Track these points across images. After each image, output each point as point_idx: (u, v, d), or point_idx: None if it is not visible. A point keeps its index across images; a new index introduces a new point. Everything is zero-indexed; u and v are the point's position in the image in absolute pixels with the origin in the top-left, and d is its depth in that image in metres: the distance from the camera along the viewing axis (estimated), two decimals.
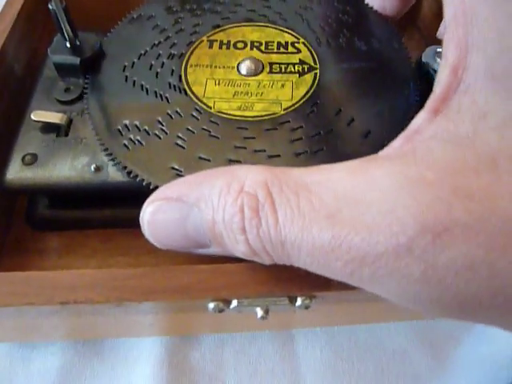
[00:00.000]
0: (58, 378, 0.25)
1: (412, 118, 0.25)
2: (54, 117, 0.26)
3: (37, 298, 0.18)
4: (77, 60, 0.27)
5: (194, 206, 0.15)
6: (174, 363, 0.26)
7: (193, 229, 0.15)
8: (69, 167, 0.24)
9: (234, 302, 0.19)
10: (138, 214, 0.27)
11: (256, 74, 0.27)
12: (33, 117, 0.25)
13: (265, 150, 0.24)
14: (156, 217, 0.16)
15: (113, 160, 0.23)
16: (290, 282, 0.19)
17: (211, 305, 0.19)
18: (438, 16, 0.35)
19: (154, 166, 0.23)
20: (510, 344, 0.28)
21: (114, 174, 0.24)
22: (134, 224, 0.28)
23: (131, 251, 0.27)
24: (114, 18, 0.31)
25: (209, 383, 0.26)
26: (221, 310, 0.19)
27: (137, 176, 0.23)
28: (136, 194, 0.25)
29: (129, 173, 0.23)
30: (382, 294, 0.14)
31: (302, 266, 0.15)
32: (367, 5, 0.31)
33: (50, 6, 0.25)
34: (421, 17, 0.38)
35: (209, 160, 0.23)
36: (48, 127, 0.26)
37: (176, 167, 0.23)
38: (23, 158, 0.25)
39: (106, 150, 0.24)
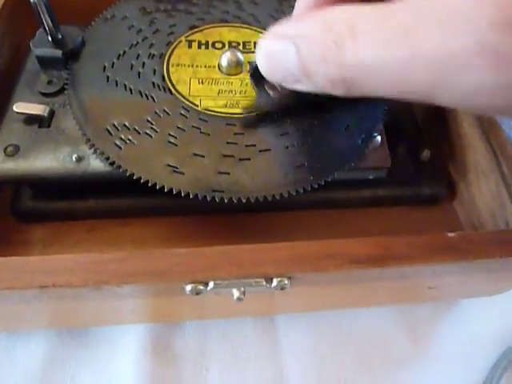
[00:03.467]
0: (43, 367, 0.26)
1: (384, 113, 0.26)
2: (37, 108, 0.26)
3: (16, 282, 0.19)
4: (59, 53, 0.27)
5: (293, 40, 0.17)
6: (158, 350, 0.26)
7: (291, 60, 0.17)
8: (50, 158, 0.25)
9: (211, 284, 0.19)
10: (121, 204, 0.28)
11: (237, 73, 0.28)
12: (15, 108, 0.26)
13: (255, 145, 0.25)
14: (267, 48, 0.19)
15: (106, 159, 0.24)
16: (266, 263, 0.19)
17: (188, 287, 0.19)
18: None
19: (150, 163, 0.23)
20: (489, 325, 0.28)
21: (95, 164, 0.24)
22: (118, 214, 0.28)
23: (115, 241, 0.28)
24: (97, 11, 0.31)
25: (192, 369, 0.26)
26: (198, 292, 0.19)
27: (133, 174, 0.23)
28: (118, 184, 0.26)
29: (124, 171, 0.23)
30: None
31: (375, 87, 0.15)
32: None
33: (31, 0, 0.25)
34: None
35: (203, 156, 0.24)
36: (30, 119, 0.26)
37: (172, 164, 0.23)
38: (5, 150, 0.25)
39: (96, 150, 0.24)
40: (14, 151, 0.25)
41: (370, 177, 0.29)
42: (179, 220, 0.28)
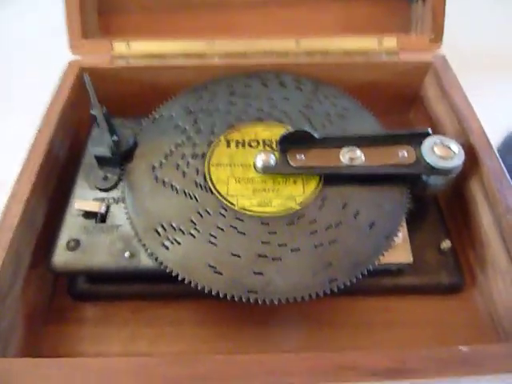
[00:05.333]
0: None
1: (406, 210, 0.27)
2: (94, 205, 0.30)
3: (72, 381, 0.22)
4: (114, 154, 0.31)
5: None
6: None
7: None
8: (106, 253, 0.28)
9: None
10: (162, 288, 0.31)
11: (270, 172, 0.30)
12: (76, 206, 0.30)
13: (286, 244, 0.27)
14: None
15: (155, 259, 0.26)
16: (293, 373, 0.22)
17: None
18: (440, 96, 0.38)
19: (193, 264, 0.26)
20: None
21: (145, 261, 0.28)
22: (159, 297, 0.32)
23: (156, 322, 0.31)
24: (148, 102, 0.35)
25: None
26: None
27: (178, 275, 0.26)
28: (163, 276, 0.29)
29: (170, 272, 0.26)
30: None
31: None
32: (364, 107, 0.35)
33: (91, 113, 0.29)
34: (428, 95, 0.41)
35: (239, 256, 0.26)
36: (88, 213, 0.30)
37: (212, 264, 0.26)
38: (67, 244, 0.28)
39: (146, 249, 0.27)
40: (75, 246, 0.28)
41: (393, 268, 0.31)
42: (213, 304, 0.31)
